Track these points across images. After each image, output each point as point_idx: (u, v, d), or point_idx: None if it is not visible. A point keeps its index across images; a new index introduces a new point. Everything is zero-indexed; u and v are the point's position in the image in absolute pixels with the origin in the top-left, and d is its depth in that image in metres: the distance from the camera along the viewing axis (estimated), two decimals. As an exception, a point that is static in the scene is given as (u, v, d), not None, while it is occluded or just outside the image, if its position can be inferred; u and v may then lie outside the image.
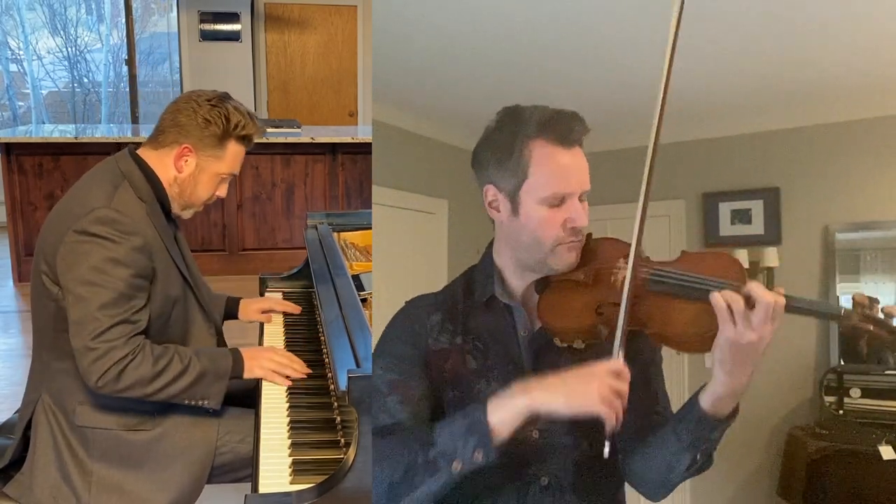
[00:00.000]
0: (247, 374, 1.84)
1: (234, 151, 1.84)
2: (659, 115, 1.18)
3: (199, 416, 1.81)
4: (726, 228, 3.59)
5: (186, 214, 1.90)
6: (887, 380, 3.06)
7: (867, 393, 3.06)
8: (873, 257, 3.28)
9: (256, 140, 1.88)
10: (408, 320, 1.31)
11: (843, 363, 3.18)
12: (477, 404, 1.10)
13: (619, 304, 1.15)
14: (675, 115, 3.19)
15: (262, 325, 2.29)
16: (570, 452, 1.25)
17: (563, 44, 2.68)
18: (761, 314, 1.04)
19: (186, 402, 1.74)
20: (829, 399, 3.11)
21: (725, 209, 3.59)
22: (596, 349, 1.21)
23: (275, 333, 2.22)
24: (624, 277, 1.16)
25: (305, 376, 1.87)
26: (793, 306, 1.07)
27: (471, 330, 1.28)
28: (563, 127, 1.21)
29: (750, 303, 1.05)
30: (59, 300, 1.69)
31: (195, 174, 1.82)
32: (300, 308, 2.31)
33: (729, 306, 1.05)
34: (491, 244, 1.33)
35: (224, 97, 1.85)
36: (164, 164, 1.81)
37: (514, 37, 2.64)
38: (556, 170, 1.20)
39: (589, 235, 1.27)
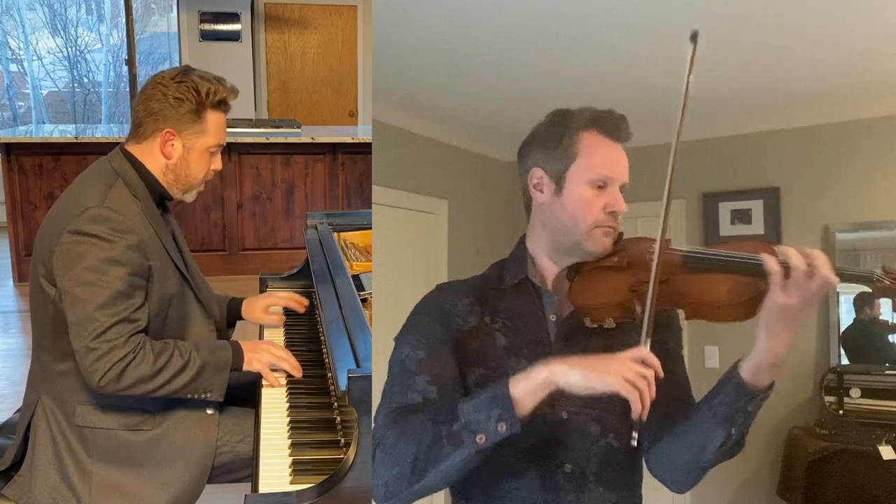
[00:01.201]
0: (245, 367, 1.83)
1: (214, 120, 1.80)
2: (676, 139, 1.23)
3: (199, 415, 1.81)
4: (726, 228, 3.59)
5: (189, 197, 1.88)
6: (887, 380, 3.06)
7: (867, 393, 3.06)
8: (873, 257, 3.28)
9: (231, 101, 1.84)
10: (438, 300, 1.33)
11: (844, 363, 3.18)
12: (500, 379, 1.12)
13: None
14: (675, 115, 3.19)
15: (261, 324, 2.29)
16: (597, 441, 1.26)
17: (564, 43, 2.68)
18: (818, 285, 1.07)
19: (189, 396, 1.73)
20: (829, 399, 3.11)
21: (725, 209, 3.59)
22: (626, 331, 1.24)
23: (275, 332, 2.22)
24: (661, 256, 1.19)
25: (299, 376, 1.87)
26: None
27: (500, 310, 1.30)
28: (610, 123, 1.29)
29: (808, 272, 1.07)
30: (57, 302, 1.69)
31: (184, 155, 1.80)
32: (304, 301, 2.21)
33: (784, 269, 1.08)
34: (522, 238, 1.37)
35: (186, 70, 1.80)
36: (152, 155, 1.79)
37: (515, 36, 2.64)
38: (603, 155, 1.28)
39: (620, 234, 1.31)
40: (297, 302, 2.21)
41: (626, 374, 1.07)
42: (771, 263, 1.09)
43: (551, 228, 1.31)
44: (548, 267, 1.32)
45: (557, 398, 1.23)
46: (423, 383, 1.22)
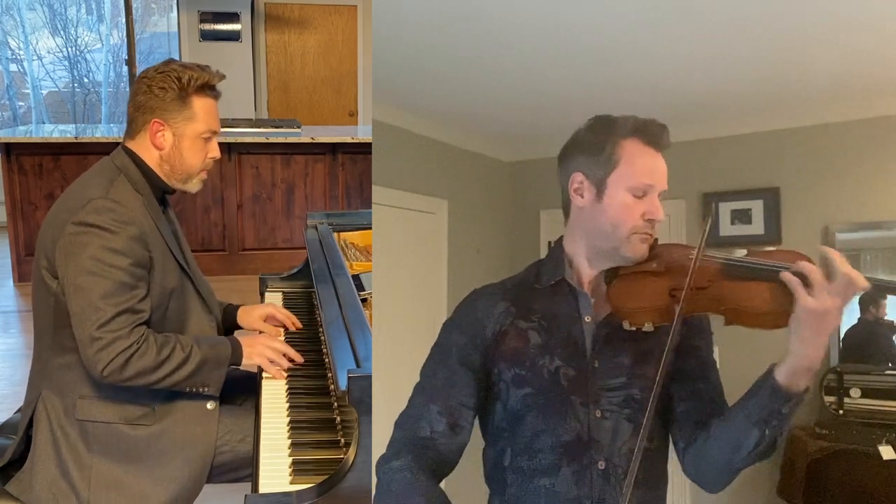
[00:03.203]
0: (245, 361, 1.87)
1: (202, 105, 1.82)
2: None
3: (200, 411, 1.82)
4: (726, 228, 3.59)
5: (192, 187, 1.89)
6: (887, 380, 3.06)
7: (867, 393, 3.05)
8: (873, 257, 3.28)
9: (216, 84, 1.86)
10: (473, 308, 1.38)
11: (844, 363, 3.18)
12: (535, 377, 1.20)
13: (692, 288, 1.20)
14: (675, 115, 3.19)
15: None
16: (629, 440, 1.28)
17: (565, 43, 2.68)
18: (841, 285, 1.10)
19: (188, 388, 1.76)
20: (829, 399, 3.10)
21: (725, 209, 3.59)
22: (662, 335, 1.26)
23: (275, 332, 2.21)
24: (698, 263, 1.21)
25: (301, 363, 1.91)
26: (871, 283, 1.13)
27: (535, 310, 1.34)
28: (653, 132, 1.31)
29: (828, 275, 1.11)
30: (59, 294, 1.70)
31: (176, 144, 1.82)
32: (300, 325, 2.20)
33: (806, 277, 1.11)
34: (560, 239, 1.39)
35: (168, 62, 1.84)
36: (145, 148, 1.82)
37: (516, 36, 2.64)
38: (644, 163, 1.31)
39: (655, 241, 1.33)
40: (293, 323, 2.19)
41: None
42: (786, 276, 1.13)
43: (590, 233, 1.33)
44: (585, 270, 1.35)
45: (590, 397, 1.28)
46: (434, 413, 1.30)
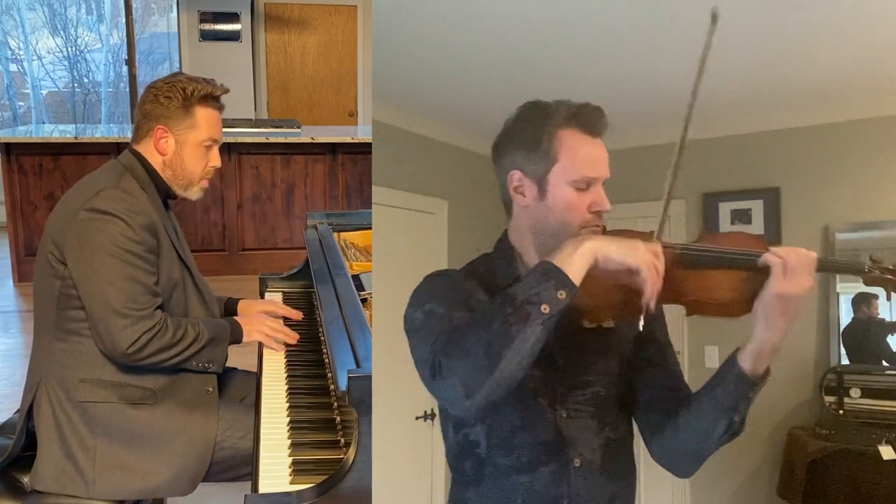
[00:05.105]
0: (245, 338, 1.98)
1: (204, 115, 1.90)
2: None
3: (200, 393, 1.87)
4: (726, 228, 3.58)
5: (192, 194, 1.96)
6: (887, 380, 3.06)
7: (867, 393, 3.05)
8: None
9: (219, 96, 1.94)
10: (446, 277, 1.32)
11: (845, 363, 3.18)
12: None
13: None
14: (675, 115, 3.19)
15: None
16: (596, 434, 1.28)
17: (565, 43, 2.68)
18: (806, 267, 1.12)
19: (195, 364, 1.84)
20: (829, 399, 3.10)
21: (725, 209, 3.59)
22: (622, 329, 1.26)
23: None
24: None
25: (296, 341, 2.04)
26: (822, 262, 1.15)
27: None
28: (589, 118, 1.26)
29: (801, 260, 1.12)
30: (66, 278, 1.75)
31: (178, 151, 1.90)
32: (301, 314, 2.27)
33: (783, 262, 1.12)
34: (505, 233, 1.34)
35: (176, 74, 1.95)
36: (149, 153, 1.90)
37: (516, 36, 2.64)
38: (584, 155, 1.25)
39: (604, 230, 1.28)
40: (293, 314, 2.25)
41: (647, 256, 1.10)
42: (770, 258, 1.12)
43: (538, 231, 1.28)
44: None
45: (556, 398, 1.25)
46: (459, 319, 1.16)
